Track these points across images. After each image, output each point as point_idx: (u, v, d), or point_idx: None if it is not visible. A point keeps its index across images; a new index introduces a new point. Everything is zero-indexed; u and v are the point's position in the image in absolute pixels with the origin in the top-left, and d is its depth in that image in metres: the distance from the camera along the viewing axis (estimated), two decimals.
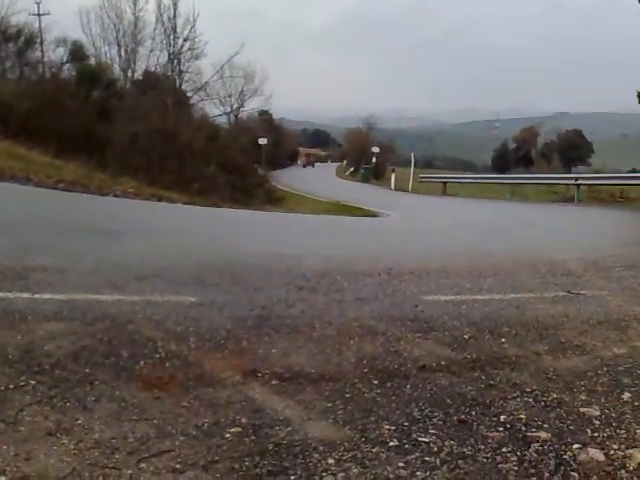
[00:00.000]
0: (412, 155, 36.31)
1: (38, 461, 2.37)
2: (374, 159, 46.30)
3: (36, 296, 4.39)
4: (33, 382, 3.02)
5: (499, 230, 12.61)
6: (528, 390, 3.30)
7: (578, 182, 22.62)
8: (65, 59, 34.33)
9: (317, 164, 75.13)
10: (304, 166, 70.81)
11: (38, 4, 36.75)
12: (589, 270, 6.70)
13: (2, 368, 3.14)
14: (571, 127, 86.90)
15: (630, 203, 20.98)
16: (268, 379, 3.27)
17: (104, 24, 37.35)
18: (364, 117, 75.84)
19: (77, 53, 34.25)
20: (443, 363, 3.64)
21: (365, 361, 3.60)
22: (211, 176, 18.68)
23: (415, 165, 36.13)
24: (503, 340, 4.12)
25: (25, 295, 4.39)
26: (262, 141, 40.06)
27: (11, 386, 2.95)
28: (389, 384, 3.31)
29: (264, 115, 57.39)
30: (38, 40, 34.99)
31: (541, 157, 78.95)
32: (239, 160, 23.11)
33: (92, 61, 35.05)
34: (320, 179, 44.92)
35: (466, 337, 4.14)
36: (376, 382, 3.32)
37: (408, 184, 33.19)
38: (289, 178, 41.29)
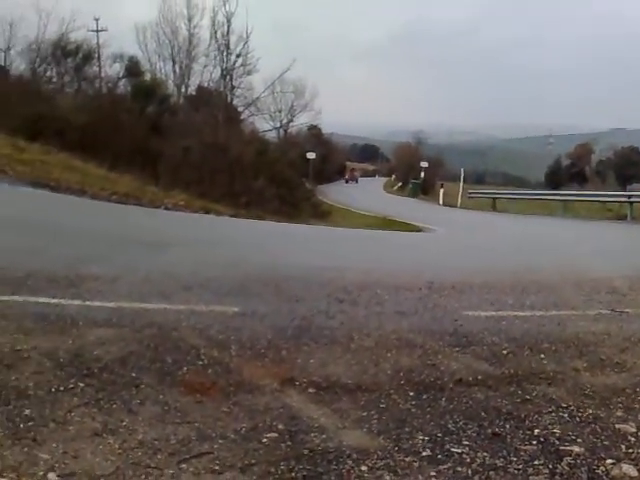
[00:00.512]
0: (461, 170, 36.03)
1: (85, 459, 2.51)
2: (422, 174, 46.18)
3: (87, 303, 4.60)
4: (82, 385, 3.17)
5: (547, 247, 12.44)
6: (564, 405, 3.30)
7: (632, 200, 22.10)
8: (121, 74, 35.37)
9: (364, 179, 72.78)
10: (346, 182, 64.49)
11: (97, 21, 37.88)
12: (635, 288, 6.59)
13: (53, 371, 3.31)
14: (627, 143, 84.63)
15: None
16: (305, 387, 3.36)
17: (160, 40, 38.15)
18: (413, 132, 75.51)
19: (133, 69, 35.21)
20: (480, 377, 3.67)
21: (402, 373, 3.66)
22: (259, 189, 19.00)
23: (465, 180, 35.88)
24: (542, 356, 4.11)
25: (77, 302, 4.60)
26: (310, 155, 40.43)
27: (61, 388, 3.11)
28: (425, 396, 3.36)
29: (313, 130, 57.73)
30: (96, 56, 36.12)
31: (596, 174, 77.34)
32: (287, 174, 23.40)
33: (147, 77, 35.94)
34: (367, 194, 44.94)
35: (505, 352, 4.15)
36: (412, 394, 3.37)
37: (457, 199, 32.95)
38: (336, 193, 41.45)
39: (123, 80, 34.86)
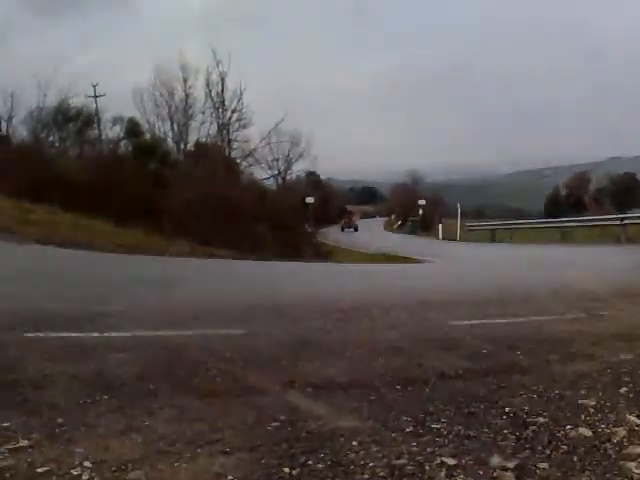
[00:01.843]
0: (458, 205, 36.69)
1: (114, 451, 2.92)
2: (420, 211, 46.96)
3: (105, 334, 5.05)
4: (106, 397, 3.60)
5: (539, 269, 12.87)
6: (534, 389, 3.71)
7: (624, 222, 22.60)
8: (121, 135, 36.48)
9: (365, 220, 68.39)
10: (342, 229, 52.84)
11: (94, 87, 39.20)
12: (615, 296, 7.01)
13: (80, 388, 3.74)
14: (623, 171, 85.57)
15: None
16: (304, 387, 3.77)
17: (157, 102, 39.31)
18: (410, 171, 76.57)
19: (132, 129, 36.33)
20: (460, 372, 4.08)
21: (390, 372, 4.07)
22: (261, 234, 19.60)
23: (465, 215, 36.50)
24: (518, 352, 4.53)
25: (95, 334, 5.06)
26: (309, 200, 41.35)
27: (88, 401, 3.53)
28: (410, 388, 3.77)
29: (311, 176, 58.84)
30: (96, 119, 37.29)
31: (594, 202, 78.01)
32: (287, 218, 24.03)
33: (147, 136, 37.01)
34: (368, 233, 45.60)
35: (484, 351, 4.57)
36: (399, 387, 3.79)
37: (456, 233, 33.50)
38: (336, 234, 42.22)
39: (124, 141, 35.91)
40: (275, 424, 3.22)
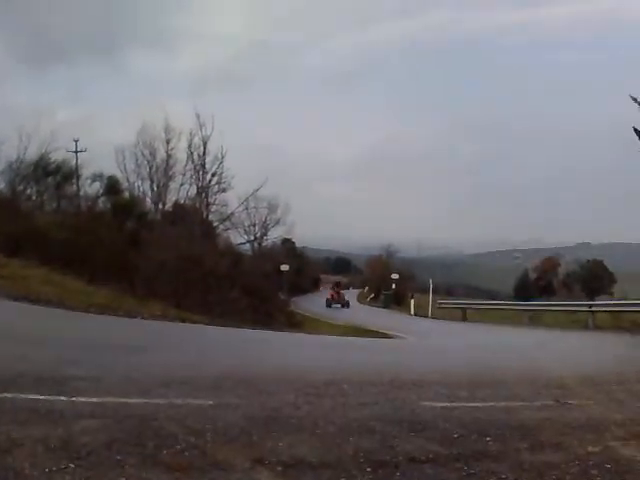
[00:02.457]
0: (430, 281, 36.98)
1: None
2: (394, 285, 47.22)
3: (73, 399, 4.99)
4: (72, 466, 3.53)
5: (508, 352, 12.99)
6: (503, 477, 3.72)
7: (592, 309, 22.99)
8: (100, 192, 36.39)
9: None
10: (329, 304, 44.13)
11: (76, 142, 39.37)
12: (583, 384, 7.09)
13: (46, 455, 3.68)
14: (592, 257, 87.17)
15: None
16: (274, 466, 3.74)
17: (138, 161, 39.52)
18: (384, 245, 77.24)
19: (112, 187, 36.26)
20: (431, 456, 4.08)
21: (361, 453, 4.05)
22: (234, 300, 19.57)
23: (436, 292, 36.73)
24: (488, 439, 4.55)
25: (63, 398, 5.00)
26: (284, 267, 41.33)
27: (54, 469, 3.47)
28: (381, 471, 3.76)
29: (287, 243, 59.03)
30: (75, 175, 37.26)
31: (563, 286, 78.96)
32: (261, 285, 24.07)
33: (126, 194, 37.02)
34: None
35: (455, 436, 4.58)
36: (369, 470, 3.77)
37: (427, 310, 33.68)
38: (310, 303, 42.14)
39: (102, 198, 35.83)
40: None
